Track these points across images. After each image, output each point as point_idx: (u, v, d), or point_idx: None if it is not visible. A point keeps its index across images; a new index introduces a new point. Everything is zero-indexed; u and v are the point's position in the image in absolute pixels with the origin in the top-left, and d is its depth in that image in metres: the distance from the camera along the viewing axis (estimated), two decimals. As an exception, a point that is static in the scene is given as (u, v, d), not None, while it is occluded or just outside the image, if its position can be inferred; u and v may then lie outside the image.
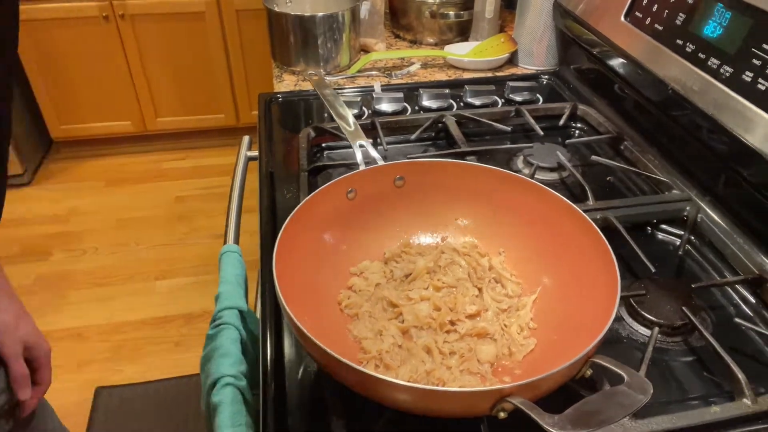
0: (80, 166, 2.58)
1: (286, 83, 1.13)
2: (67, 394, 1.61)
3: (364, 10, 1.22)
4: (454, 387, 0.51)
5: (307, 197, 0.60)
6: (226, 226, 0.79)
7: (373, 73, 1.16)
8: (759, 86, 0.64)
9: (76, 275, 2.02)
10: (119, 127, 2.52)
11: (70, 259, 2.09)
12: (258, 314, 0.76)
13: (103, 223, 2.26)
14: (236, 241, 0.77)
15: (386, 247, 0.68)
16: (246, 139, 1.00)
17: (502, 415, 0.42)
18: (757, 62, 0.65)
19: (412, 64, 1.19)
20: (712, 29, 0.72)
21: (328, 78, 1.15)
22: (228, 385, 0.57)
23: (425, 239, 0.69)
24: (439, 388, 0.41)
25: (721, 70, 0.70)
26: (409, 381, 0.52)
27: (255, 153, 0.94)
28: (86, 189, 2.45)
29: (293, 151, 0.90)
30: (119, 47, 2.30)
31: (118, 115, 2.48)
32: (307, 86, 1.10)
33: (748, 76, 0.66)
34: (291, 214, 0.57)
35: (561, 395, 0.46)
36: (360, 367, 0.42)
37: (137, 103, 2.46)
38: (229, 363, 0.59)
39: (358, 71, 1.15)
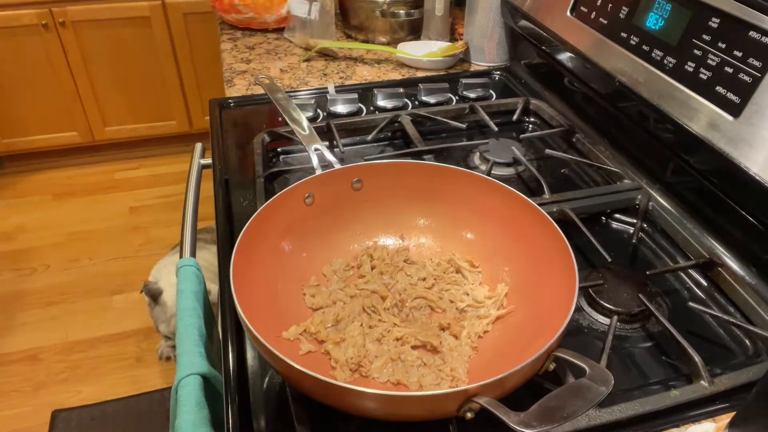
0: (25, 181, 2.47)
1: (238, 87, 1.11)
2: (23, 419, 1.55)
3: (314, 11, 1.20)
4: (421, 391, 0.51)
5: (263, 206, 0.59)
6: (182, 239, 0.76)
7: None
8: (701, 76, 0.66)
9: (27, 295, 1.93)
10: (65, 138, 2.43)
11: (19, 279, 2.00)
12: (219, 325, 0.74)
13: (53, 238, 2.17)
14: (193, 253, 0.75)
15: (347, 251, 0.67)
16: (198, 146, 0.97)
17: (469, 415, 0.42)
18: (698, 52, 0.67)
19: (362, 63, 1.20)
20: (654, 21, 0.74)
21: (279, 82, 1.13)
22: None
23: (386, 241, 0.69)
24: (404, 393, 0.40)
25: (665, 61, 0.72)
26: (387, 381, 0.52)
27: (209, 161, 0.92)
28: (33, 204, 2.35)
29: (248, 157, 0.88)
30: (61, 56, 2.21)
31: (64, 125, 2.39)
32: (260, 90, 1.08)
33: (690, 66, 0.68)
34: (247, 224, 0.56)
35: (527, 390, 0.47)
36: (323, 377, 0.41)
37: (83, 113, 2.37)
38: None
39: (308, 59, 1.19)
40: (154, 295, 1.45)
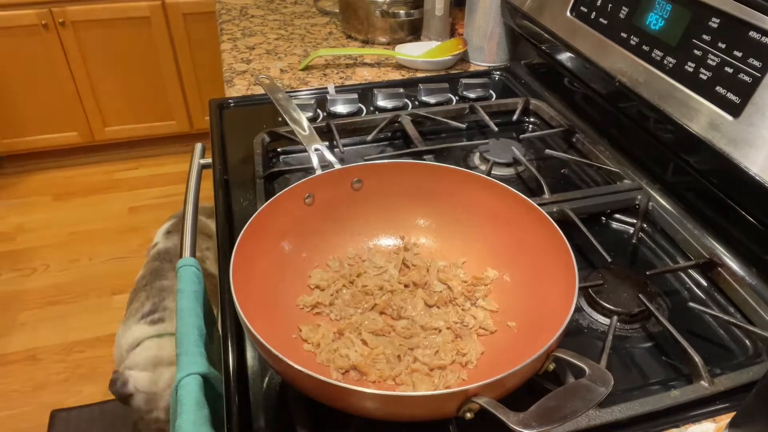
0: (25, 181, 2.47)
1: (238, 87, 1.11)
2: (22, 419, 1.55)
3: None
4: (420, 391, 0.51)
5: (263, 206, 0.59)
6: (182, 239, 0.76)
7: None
8: (701, 76, 0.66)
9: (26, 295, 1.93)
10: (65, 138, 2.43)
11: (19, 279, 2.00)
12: (219, 325, 0.74)
13: (53, 239, 2.17)
14: (193, 253, 0.75)
15: (347, 251, 0.67)
16: (198, 146, 0.97)
17: (468, 415, 0.42)
18: (697, 53, 0.67)
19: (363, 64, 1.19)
20: (654, 21, 0.74)
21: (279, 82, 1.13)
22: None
23: (386, 241, 0.69)
24: (404, 393, 0.40)
25: (665, 62, 0.72)
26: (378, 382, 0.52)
27: (209, 160, 0.92)
28: (33, 204, 2.35)
29: (248, 157, 0.88)
30: (61, 56, 2.21)
31: (64, 125, 2.39)
32: (260, 90, 1.08)
33: (690, 66, 0.68)
34: (247, 224, 0.56)
35: (527, 390, 0.47)
36: (323, 377, 0.41)
37: (83, 113, 2.37)
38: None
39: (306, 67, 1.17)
40: (123, 398, 1.07)
